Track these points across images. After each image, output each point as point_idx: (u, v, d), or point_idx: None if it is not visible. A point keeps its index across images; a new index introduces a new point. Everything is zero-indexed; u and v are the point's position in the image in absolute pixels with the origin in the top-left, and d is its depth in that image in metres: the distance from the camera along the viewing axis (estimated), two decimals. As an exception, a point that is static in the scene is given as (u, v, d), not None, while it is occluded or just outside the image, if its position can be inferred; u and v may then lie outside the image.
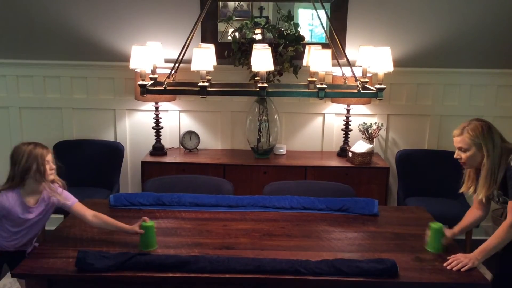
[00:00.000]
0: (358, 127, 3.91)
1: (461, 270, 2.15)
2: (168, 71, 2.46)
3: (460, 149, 2.26)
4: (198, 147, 3.99)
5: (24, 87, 4.03)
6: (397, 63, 3.73)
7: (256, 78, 2.50)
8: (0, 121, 4.09)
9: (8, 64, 3.96)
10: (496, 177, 2.20)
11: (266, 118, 3.77)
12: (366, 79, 2.48)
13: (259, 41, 3.64)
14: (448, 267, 2.17)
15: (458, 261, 2.18)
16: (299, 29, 3.64)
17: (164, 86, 2.34)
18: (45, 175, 2.38)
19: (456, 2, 3.79)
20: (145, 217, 2.37)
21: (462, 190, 2.41)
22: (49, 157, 2.43)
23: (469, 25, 3.84)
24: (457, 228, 2.44)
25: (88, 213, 2.44)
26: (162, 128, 3.92)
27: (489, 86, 3.98)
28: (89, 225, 2.47)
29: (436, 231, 2.35)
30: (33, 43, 3.93)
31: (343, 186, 3.15)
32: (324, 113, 4.05)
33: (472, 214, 2.48)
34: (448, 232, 2.38)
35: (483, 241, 2.28)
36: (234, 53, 3.66)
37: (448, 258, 2.23)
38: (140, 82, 2.32)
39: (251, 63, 2.31)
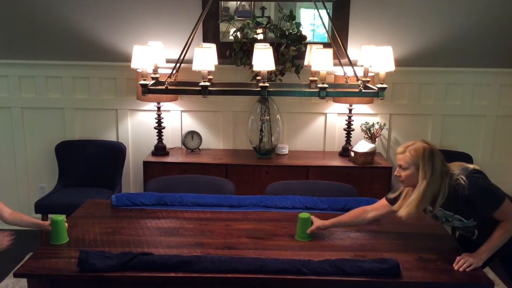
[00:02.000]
0: (360, 126, 3.91)
1: (467, 270, 2.15)
2: (170, 71, 2.46)
3: (400, 166, 2.29)
4: (200, 147, 3.99)
5: (26, 87, 4.04)
6: (399, 62, 3.73)
7: (257, 78, 2.50)
8: (2, 121, 4.10)
9: (10, 64, 3.97)
10: (432, 199, 2.22)
11: (268, 118, 3.76)
12: (368, 79, 2.47)
13: (261, 41, 3.64)
14: (456, 268, 2.17)
15: (464, 260, 2.18)
16: (300, 28, 3.64)
17: (165, 85, 2.34)
18: None
19: (458, 1, 3.78)
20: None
21: (395, 208, 2.37)
22: None
23: (472, 24, 3.83)
24: (329, 221, 2.48)
25: (6, 211, 2.44)
26: (164, 128, 3.92)
27: (491, 86, 3.97)
28: (90, 225, 2.47)
29: (302, 220, 2.44)
30: (35, 44, 3.93)
31: (345, 186, 3.14)
32: (326, 113, 4.04)
33: (358, 214, 2.52)
34: (318, 222, 2.44)
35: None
36: (236, 53, 3.66)
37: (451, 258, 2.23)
38: (142, 82, 2.32)
39: (253, 63, 2.31)
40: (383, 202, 2.50)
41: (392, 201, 2.43)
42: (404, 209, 2.27)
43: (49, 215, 2.37)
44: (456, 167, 2.27)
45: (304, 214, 2.47)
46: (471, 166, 2.27)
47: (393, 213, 2.38)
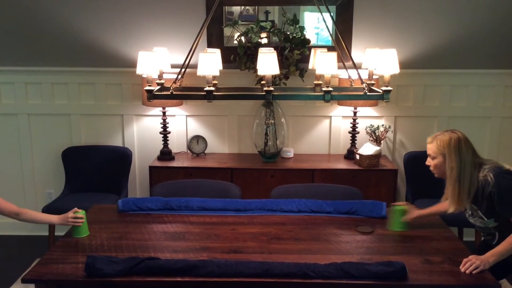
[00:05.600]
0: (365, 129, 3.90)
1: (473, 272, 2.13)
2: (175, 76, 2.48)
3: (429, 156, 2.30)
4: (205, 152, 4.00)
5: (32, 94, 4.07)
6: (403, 64, 3.72)
7: (262, 82, 2.51)
8: (9, 128, 4.13)
9: (16, 71, 4.00)
10: (467, 191, 2.23)
11: (273, 121, 3.77)
12: (373, 81, 2.47)
13: (265, 45, 3.65)
14: (462, 270, 2.16)
15: (471, 262, 2.16)
16: (304, 32, 3.65)
17: (170, 91, 2.35)
18: None
19: (462, 3, 3.77)
20: (75, 208, 2.51)
21: (442, 199, 2.44)
22: None
23: (476, 26, 3.82)
24: (426, 210, 2.51)
25: (14, 209, 2.48)
26: (169, 133, 3.93)
27: (496, 87, 3.96)
28: (97, 230, 2.48)
29: (398, 212, 2.51)
30: (40, 51, 3.96)
31: (351, 188, 3.14)
32: (331, 116, 4.04)
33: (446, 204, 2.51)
34: (416, 212, 2.49)
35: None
36: (240, 58, 3.67)
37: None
38: (147, 88, 2.33)
39: (257, 67, 2.32)
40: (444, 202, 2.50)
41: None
42: (451, 206, 2.30)
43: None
44: (490, 163, 2.26)
45: (398, 207, 2.54)
46: (506, 166, 2.26)
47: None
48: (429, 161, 2.35)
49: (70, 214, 2.49)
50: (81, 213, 2.51)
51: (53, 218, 2.55)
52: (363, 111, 3.91)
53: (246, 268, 2.13)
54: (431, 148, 2.32)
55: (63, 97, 4.07)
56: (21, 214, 2.48)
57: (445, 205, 2.49)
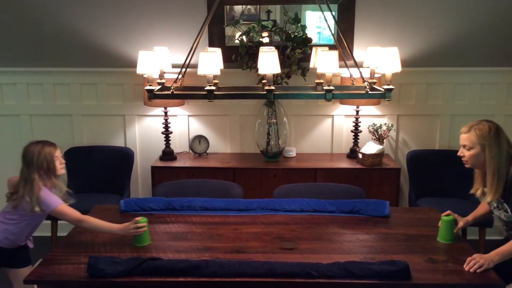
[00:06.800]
0: (368, 128, 3.89)
1: (477, 271, 2.12)
2: (176, 76, 2.47)
3: (464, 146, 2.28)
4: (207, 151, 3.99)
5: (34, 94, 4.07)
6: (406, 63, 3.71)
7: (263, 81, 2.50)
8: (11, 128, 4.13)
9: (18, 72, 4.00)
10: (504, 181, 2.19)
11: (275, 121, 3.76)
12: (374, 80, 2.46)
13: (266, 44, 3.64)
14: (466, 269, 2.14)
15: (475, 261, 2.15)
16: (306, 31, 3.64)
17: (171, 91, 2.35)
18: (55, 171, 2.52)
19: (465, 0, 3.75)
20: (136, 218, 2.42)
21: (472, 191, 2.41)
22: (58, 152, 2.57)
23: (478, 23, 3.80)
24: (470, 216, 2.46)
25: (78, 216, 2.45)
26: (171, 133, 3.93)
27: (499, 85, 3.94)
28: (100, 231, 2.48)
29: (447, 223, 2.38)
30: (42, 51, 3.96)
31: (354, 188, 3.13)
32: (333, 115, 4.03)
33: (486, 205, 2.48)
34: (461, 221, 2.40)
35: (496, 241, 2.24)
36: (242, 57, 3.67)
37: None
38: (148, 87, 2.33)
39: (258, 66, 2.31)
40: (482, 204, 2.47)
41: (482, 195, 2.39)
42: (489, 195, 2.24)
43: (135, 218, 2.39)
44: None
45: (447, 217, 2.41)
46: None
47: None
48: (462, 152, 2.28)
49: (132, 225, 2.40)
50: (142, 221, 2.41)
51: (115, 227, 2.44)
52: (365, 110, 3.90)
53: (248, 268, 2.12)
54: (467, 138, 2.24)
55: (65, 98, 4.07)
56: (83, 222, 2.44)
57: (484, 206, 2.47)
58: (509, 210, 2.22)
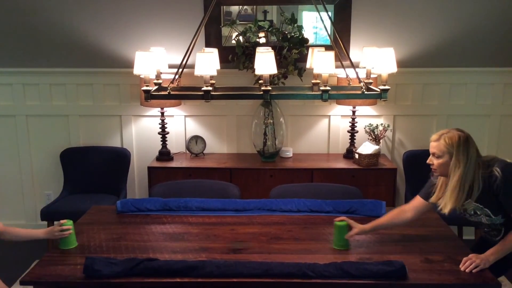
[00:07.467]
0: (364, 128, 3.90)
1: (473, 271, 2.13)
2: (172, 76, 2.47)
3: (433, 154, 2.25)
4: (204, 152, 3.99)
5: (30, 95, 4.06)
6: (402, 63, 3.72)
7: (260, 82, 2.50)
8: (7, 129, 4.12)
9: (14, 72, 3.99)
10: (469, 190, 2.18)
11: (271, 121, 3.77)
12: (371, 80, 2.47)
13: (263, 45, 3.64)
14: (462, 269, 2.15)
15: (471, 261, 2.15)
16: (302, 31, 3.64)
17: (168, 91, 2.35)
18: None
19: (460, 1, 3.77)
20: (61, 221, 2.39)
21: (432, 200, 2.34)
22: None
23: (474, 24, 3.81)
24: (369, 224, 2.40)
25: None
26: (168, 133, 3.92)
27: (495, 85, 3.95)
28: (96, 232, 2.47)
29: (339, 228, 2.35)
30: (38, 52, 3.95)
31: (350, 188, 3.13)
32: (329, 115, 4.03)
33: (396, 214, 2.44)
34: (356, 228, 2.35)
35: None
36: (238, 57, 3.67)
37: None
38: (144, 88, 2.33)
39: (255, 67, 2.31)
40: (417, 200, 2.42)
41: (426, 197, 2.37)
42: (446, 205, 2.21)
43: (55, 222, 2.32)
44: (491, 159, 2.22)
45: (340, 222, 2.36)
46: (509, 160, 2.22)
47: (432, 210, 2.29)
48: (431, 160, 2.26)
49: (57, 227, 2.37)
50: (67, 223, 2.38)
51: (39, 233, 2.40)
52: (362, 110, 3.91)
53: (245, 268, 2.12)
54: (437, 146, 2.22)
55: (61, 98, 4.06)
56: (2, 234, 2.31)
57: (390, 215, 2.43)
58: (491, 214, 2.22)
